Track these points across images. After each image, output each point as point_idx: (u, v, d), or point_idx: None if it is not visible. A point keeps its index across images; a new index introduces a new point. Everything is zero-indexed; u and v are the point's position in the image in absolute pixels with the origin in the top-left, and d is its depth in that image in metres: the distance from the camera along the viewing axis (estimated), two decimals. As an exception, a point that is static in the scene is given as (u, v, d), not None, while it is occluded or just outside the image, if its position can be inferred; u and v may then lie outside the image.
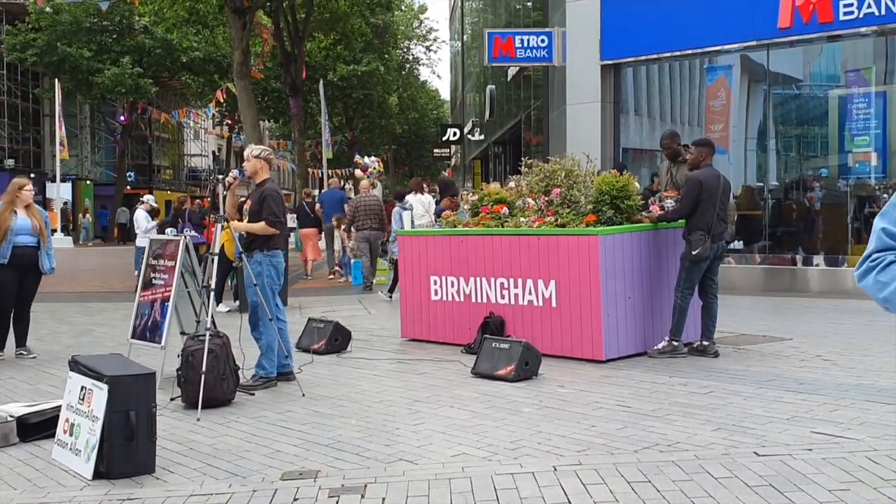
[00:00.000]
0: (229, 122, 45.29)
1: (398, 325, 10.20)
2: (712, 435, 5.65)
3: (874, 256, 2.25)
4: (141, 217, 16.22)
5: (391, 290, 14.12)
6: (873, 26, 12.76)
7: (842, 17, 12.84)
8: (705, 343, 8.47)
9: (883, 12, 12.43)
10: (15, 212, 9.30)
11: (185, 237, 8.10)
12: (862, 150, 13.86)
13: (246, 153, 7.94)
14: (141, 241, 15.58)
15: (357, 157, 18.40)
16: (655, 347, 8.44)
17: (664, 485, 4.70)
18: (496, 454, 5.40)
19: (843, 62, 14.44)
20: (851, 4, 12.70)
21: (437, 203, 14.37)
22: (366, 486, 4.87)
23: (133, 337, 8.16)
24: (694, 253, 8.26)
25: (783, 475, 4.78)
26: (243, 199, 8.61)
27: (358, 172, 17.76)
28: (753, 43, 14.13)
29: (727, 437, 5.59)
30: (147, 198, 17.33)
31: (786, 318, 10.88)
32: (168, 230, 13.59)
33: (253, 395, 7.33)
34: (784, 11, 13.29)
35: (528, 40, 16.66)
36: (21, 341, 9.66)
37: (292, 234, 18.64)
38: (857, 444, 5.33)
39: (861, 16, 12.66)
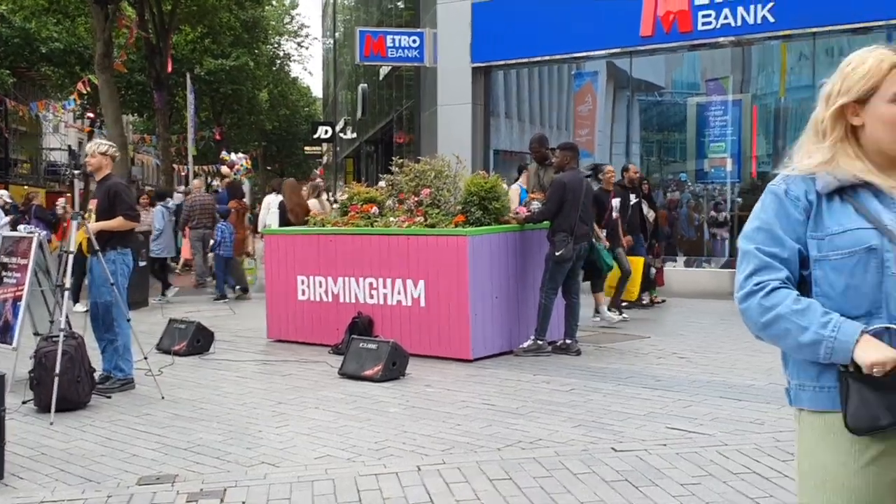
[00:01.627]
0: (91, 115, 43.60)
1: (264, 326, 10.02)
2: (573, 431, 5.78)
3: (760, 282, 2.25)
4: (-7, 213, 15.42)
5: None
6: (731, 37, 13.33)
7: (700, 28, 13.36)
8: (568, 341, 8.66)
9: (739, 23, 13.00)
10: None
11: (38, 234, 7.74)
12: (718, 155, 14.47)
13: (90, 149, 7.62)
14: (-7, 237, 14.79)
15: (224, 154, 17.98)
16: (521, 346, 8.58)
17: (525, 481, 4.77)
18: (360, 455, 5.38)
19: (703, 71, 15.05)
20: (710, 15, 13.22)
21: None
22: (225, 490, 4.76)
23: (-19, 338, 7.74)
24: (557, 254, 8.44)
25: (639, 470, 4.93)
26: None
27: (224, 169, 17.36)
28: (617, 50, 14.56)
29: (587, 433, 5.73)
30: (1, 193, 16.50)
31: (645, 317, 11.23)
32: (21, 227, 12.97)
33: (109, 397, 7.07)
34: (646, 20, 13.74)
35: (400, 40, 16.67)
36: None
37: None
38: (709, 439, 5.55)
39: (718, 26, 13.21)
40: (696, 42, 13.77)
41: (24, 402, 6.76)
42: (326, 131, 38.17)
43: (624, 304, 11.10)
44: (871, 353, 2.09)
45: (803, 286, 2.27)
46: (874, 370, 2.08)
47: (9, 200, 16.17)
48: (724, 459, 5.11)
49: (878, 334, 2.14)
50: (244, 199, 13.48)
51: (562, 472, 4.93)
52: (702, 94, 15.02)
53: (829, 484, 2.22)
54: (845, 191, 2.23)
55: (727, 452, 5.24)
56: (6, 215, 15.57)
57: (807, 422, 2.30)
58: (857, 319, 2.17)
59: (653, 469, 4.95)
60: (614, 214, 11.00)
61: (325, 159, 48.70)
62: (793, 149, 2.36)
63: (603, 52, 14.82)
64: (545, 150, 10.13)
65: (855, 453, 2.20)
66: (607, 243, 10.51)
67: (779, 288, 2.23)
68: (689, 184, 15.15)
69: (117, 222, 7.33)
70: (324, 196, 14.38)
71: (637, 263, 11.42)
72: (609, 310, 10.70)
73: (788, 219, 2.26)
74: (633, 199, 11.65)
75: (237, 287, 14.67)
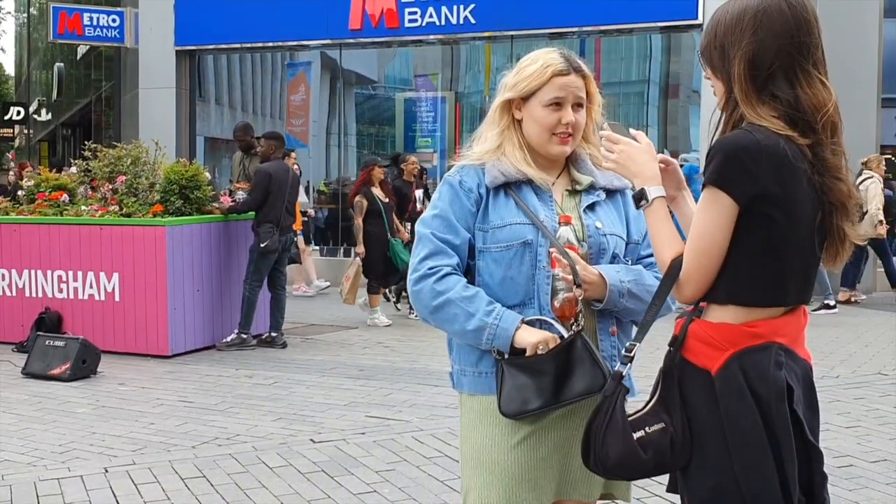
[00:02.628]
0: None
1: (-64, 324, 9.05)
2: (272, 425, 5.71)
3: (434, 267, 2.33)
4: None
5: None
6: (439, 35, 13.76)
7: (407, 24, 13.66)
8: (273, 334, 8.55)
9: (443, 22, 13.44)
10: None
11: None
12: (426, 150, 14.91)
13: None
14: None
15: None
16: (224, 340, 8.36)
17: (219, 479, 4.65)
18: (42, 459, 5.04)
19: (414, 67, 15.43)
20: (416, 12, 13.55)
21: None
22: None
23: None
24: (262, 245, 8.31)
25: (336, 460, 4.95)
26: None
27: None
28: (328, 42, 14.57)
29: (287, 426, 5.68)
30: None
31: (350, 309, 11.31)
32: None
33: None
34: (354, 14, 13.85)
35: (98, 18, 15.65)
36: None
37: None
38: (406, 426, 5.69)
39: (424, 24, 13.57)
40: (404, 38, 14.08)
41: None
42: (19, 112, 35.14)
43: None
44: (531, 336, 2.24)
45: (468, 275, 2.37)
46: (539, 349, 2.22)
47: None
48: (419, 445, 5.26)
49: (530, 323, 2.29)
50: None
51: (258, 466, 4.85)
52: (412, 90, 15.41)
53: (487, 462, 2.34)
54: (510, 186, 2.35)
55: (422, 437, 5.40)
56: None
57: (467, 405, 2.42)
58: (512, 308, 2.30)
59: (349, 458, 4.99)
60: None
61: (17, 142, 44.95)
62: (473, 136, 2.47)
63: (315, 42, 14.76)
64: (250, 138, 9.94)
65: (508, 434, 2.32)
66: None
67: (450, 274, 2.33)
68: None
69: None
70: None
71: None
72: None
73: (462, 208, 2.37)
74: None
75: None
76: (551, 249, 2.26)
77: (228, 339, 8.35)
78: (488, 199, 2.36)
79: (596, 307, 2.33)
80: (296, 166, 10.31)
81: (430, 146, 14.87)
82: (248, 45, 15.41)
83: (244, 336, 8.37)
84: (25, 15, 41.23)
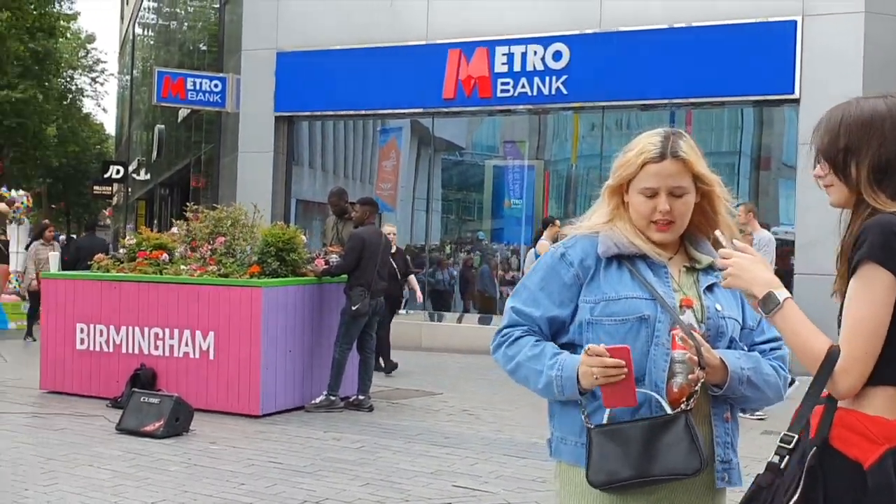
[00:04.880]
0: None
1: (38, 376, 9.35)
2: (360, 490, 5.71)
3: (505, 332, 2.42)
4: None
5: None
6: (527, 105, 13.92)
7: (499, 94, 13.87)
8: (361, 397, 8.61)
9: (535, 93, 13.60)
10: None
11: None
12: (513, 216, 14.99)
13: None
14: None
15: (3, 191, 16.83)
16: (313, 402, 8.44)
17: (309, 544, 4.65)
18: (135, 517, 5.10)
19: (502, 134, 15.61)
20: (508, 83, 13.76)
21: None
22: (-21, 558, 4.36)
23: None
24: (354, 308, 8.41)
25: (424, 530, 4.92)
26: None
27: (2, 207, 16.25)
28: (420, 110, 14.86)
29: (374, 492, 5.68)
30: None
31: (437, 373, 11.35)
32: None
33: None
34: (448, 84, 14.13)
35: (201, 83, 16.29)
36: None
37: None
38: (493, 497, 5.63)
39: (516, 94, 13.75)
40: (495, 108, 14.29)
41: None
42: (118, 171, 36.54)
43: None
44: (583, 369, 2.22)
45: (570, 349, 2.36)
46: (594, 375, 2.18)
47: None
48: (508, 518, 5.20)
49: (640, 402, 2.24)
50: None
51: (347, 533, 4.85)
52: (498, 156, 15.56)
53: None
54: (624, 258, 2.34)
55: (510, 511, 5.34)
56: None
57: (566, 476, 2.37)
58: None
59: (438, 529, 4.95)
60: None
61: (115, 200, 46.61)
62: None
63: (407, 110, 15.08)
64: (344, 203, 10.13)
65: None
66: None
67: (521, 336, 2.38)
68: (486, 242, 15.58)
69: None
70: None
71: None
72: None
73: (555, 282, 2.38)
74: None
75: None
76: (674, 331, 2.24)
77: (317, 400, 8.43)
78: (598, 269, 2.35)
79: (714, 392, 2.29)
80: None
81: (517, 212, 14.95)
82: (342, 113, 15.82)
83: (332, 398, 8.44)
84: (128, 77, 43.03)
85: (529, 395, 8.21)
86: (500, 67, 13.79)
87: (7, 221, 15.40)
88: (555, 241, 10.18)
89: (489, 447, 7.11)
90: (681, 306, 2.29)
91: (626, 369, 2.16)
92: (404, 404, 9.01)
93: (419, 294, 12.26)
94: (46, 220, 15.15)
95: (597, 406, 2.28)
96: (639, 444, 2.19)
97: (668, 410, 2.21)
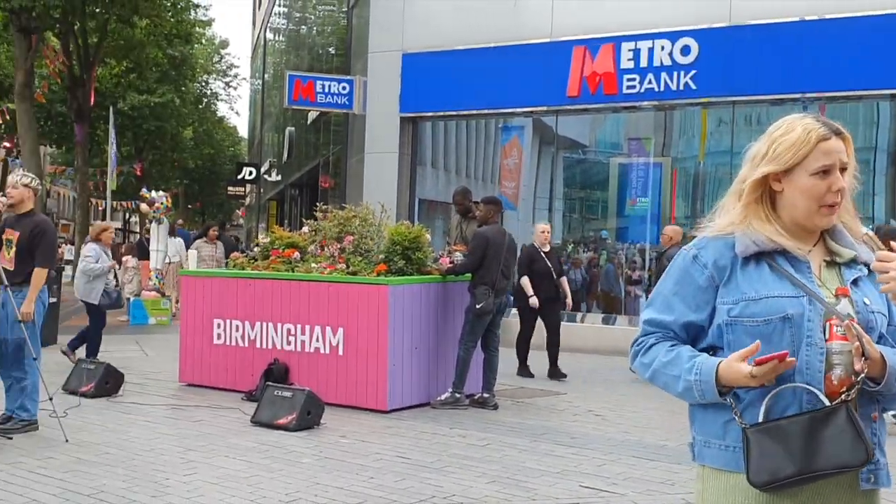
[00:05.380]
0: (7, 145, 42.45)
1: (176, 369, 9.78)
2: (487, 488, 5.74)
3: (639, 341, 2.40)
4: None
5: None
6: (654, 101, 13.69)
7: (625, 91, 13.68)
8: (486, 395, 8.65)
9: (662, 88, 13.36)
10: None
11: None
12: (638, 215, 14.76)
13: (13, 180, 7.37)
14: None
15: (144, 191, 17.63)
16: (438, 398, 8.53)
17: (437, 539, 4.71)
18: (270, 507, 5.26)
19: (626, 131, 15.39)
20: (634, 79, 13.57)
21: None
22: (127, 541, 4.59)
23: None
24: (478, 307, 8.46)
25: (552, 529, 4.91)
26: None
27: (144, 207, 17.05)
28: (544, 108, 14.80)
29: (501, 489, 5.70)
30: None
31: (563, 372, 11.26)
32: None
33: (10, 438, 6.78)
34: (573, 81, 14.03)
35: (329, 86, 16.67)
36: None
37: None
38: (621, 499, 5.57)
39: (642, 90, 13.54)
40: (620, 105, 14.11)
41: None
42: (251, 172, 37.78)
43: None
44: (737, 370, 2.14)
45: (711, 353, 2.31)
46: (753, 375, 2.11)
47: None
48: (636, 520, 5.13)
49: (789, 390, 2.18)
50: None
51: (475, 529, 4.89)
52: (623, 154, 15.35)
53: None
54: (763, 256, 2.27)
55: (639, 513, 5.27)
56: None
57: (710, 481, 2.31)
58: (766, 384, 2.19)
59: (566, 528, 4.94)
60: None
61: (247, 200, 48.21)
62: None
63: (530, 109, 15.05)
64: (468, 202, 10.21)
65: None
66: None
67: (655, 344, 2.35)
68: (610, 241, 15.40)
69: (40, 279, 7.07)
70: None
71: None
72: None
73: (690, 285, 2.33)
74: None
75: None
76: (831, 321, 2.16)
77: (442, 397, 8.52)
78: (735, 269, 2.28)
79: (870, 387, 2.18)
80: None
81: (642, 210, 14.72)
82: (465, 113, 15.91)
83: (458, 395, 8.52)
84: (259, 81, 44.38)
85: (656, 398, 8.13)
86: (626, 63, 13.61)
87: (147, 221, 16.15)
88: None
89: (617, 448, 7.03)
90: (836, 295, 2.20)
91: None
92: (529, 403, 9.00)
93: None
94: (210, 222, 16.08)
95: (747, 403, 2.21)
96: (800, 439, 2.11)
97: (827, 403, 2.13)
